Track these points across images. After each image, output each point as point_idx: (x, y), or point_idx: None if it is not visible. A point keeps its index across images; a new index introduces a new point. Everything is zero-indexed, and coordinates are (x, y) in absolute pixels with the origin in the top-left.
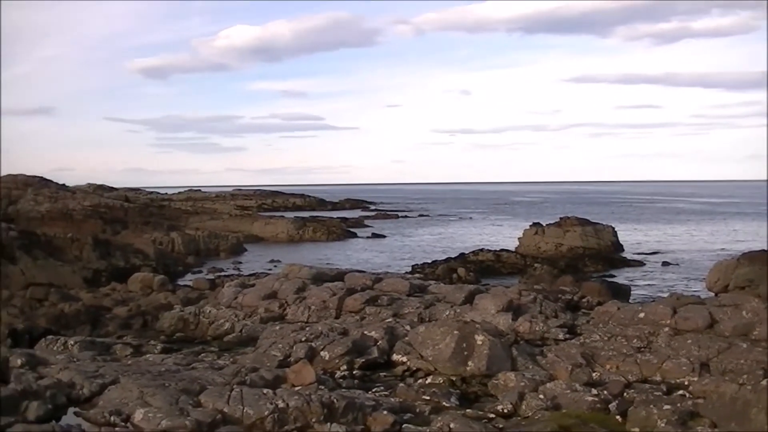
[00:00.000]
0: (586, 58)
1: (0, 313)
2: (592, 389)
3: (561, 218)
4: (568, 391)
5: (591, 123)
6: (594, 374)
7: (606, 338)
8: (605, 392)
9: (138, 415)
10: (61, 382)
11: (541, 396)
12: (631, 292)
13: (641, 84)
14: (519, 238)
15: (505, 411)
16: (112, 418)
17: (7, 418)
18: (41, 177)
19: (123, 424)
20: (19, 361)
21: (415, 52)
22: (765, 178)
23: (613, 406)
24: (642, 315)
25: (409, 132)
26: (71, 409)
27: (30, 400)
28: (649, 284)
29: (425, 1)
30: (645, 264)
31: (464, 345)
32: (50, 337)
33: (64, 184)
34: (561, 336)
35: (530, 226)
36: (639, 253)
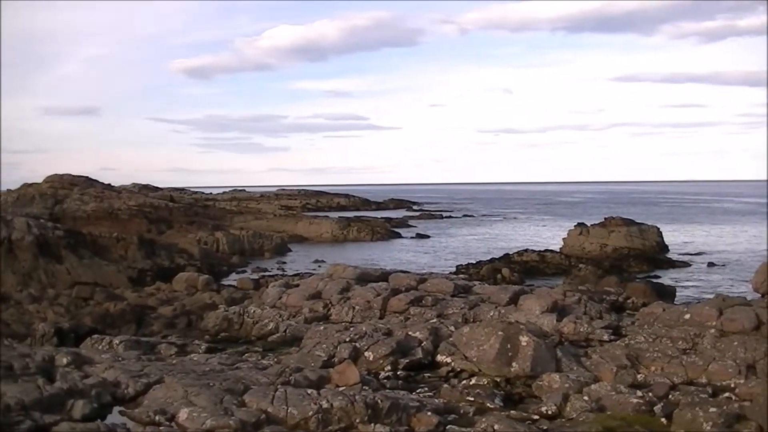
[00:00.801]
0: (630, 56)
1: (46, 312)
2: (637, 391)
3: (605, 218)
4: (613, 393)
5: (634, 122)
6: (639, 376)
7: (651, 340)
8: (650, 394)
9: (182, 415)
10: (106, 381)
11: (586, 398)
12: (677, 293)
13: (686, 83)
14: (563, 239)
15: (550, 412)
16: (156, 418)
17: (53, 416)
18: (87, 177)
19: (167, 423)
20: (65, 360)
21: (458, 51)
22: None
23: (658, 408)
24: (687, 316)
25: (452, 131)
26: (116, 408)
27: (76, 398)
28: (694, 285)
29: (469, 0)
30: (690, 265)
31: (508, 346)
32: (95, 336)
33: (109, 184)
34: (606, 337)
35: (575, 226)
36: (684, 254)
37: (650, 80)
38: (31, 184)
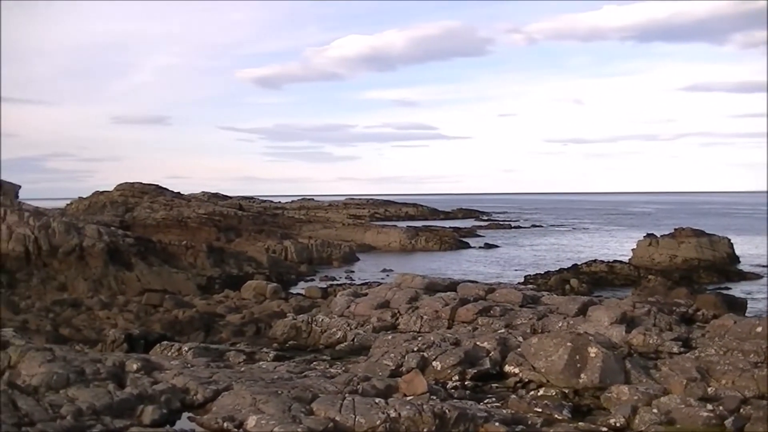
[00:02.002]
0: (701, 66)
1: (117, 318)
2: (708, 404)
3: (675, 229)
4: (683, 406)
5: (705, 132)
6: (709, 389)
7: (722, 352)
8: (721, 408)
9: (251, 422)
10: (175, 387)
11: (655, 410)
12: (748, 306)
13: (757, 92)
14: (632, 249)
15: (618, 425)
16: (225, 424)
17: (123, 421)
18: (157, 185)
19: (236, 430)
20: (135, 366)
21: (528, 61)
22: None
23: (729, 422)
24: (759, 329)
25: (521, 141)
26: (185, 414)
27: (145, 404)
28: (766, 298)
29: (538, 10)
30: (762, 277)
31: (577, 357)
32: (165, 342)
33: (179, 192)
34: (675, 349)
35: (644, 237)
36: (756, 266)
37: (721, 90)
38: (102, 192)
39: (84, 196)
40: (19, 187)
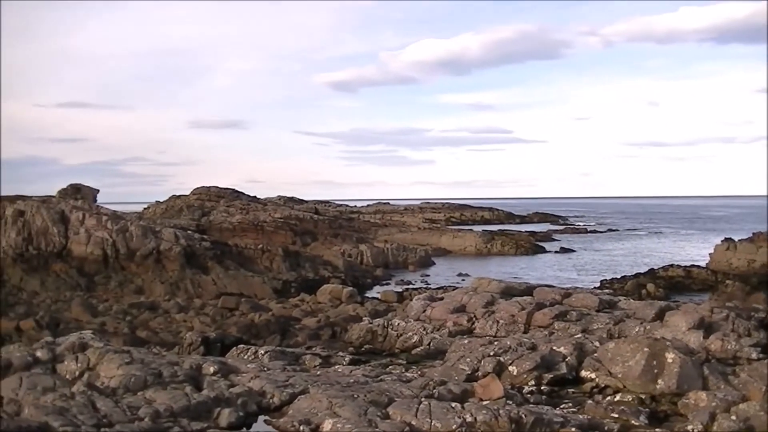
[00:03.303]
0: None
1: (193, 321)
2: None
3: (754, 233)
4: (762, 413)
5: None
6: None
7: None
8: None
9: (327, 425)
10: (252, 391)
11: (734, 417)
12: None
13: None
14: (710, 254)
15: (696, 431)
16: (301, 428)
17: (200, 424)
18: (233, 189)
19: None
20: (211, 369)
21: (604, 63)
22: None
23: None
24: None
25: (597, 145)
26: (261, 417)
27: (222, 407)
28: None
29: (614, 12)
30: None
31: (654, 362)
32: (241, 345)
33: (255, 196)
34: (754, 355)
35: (721, 241)
36: None
37: None
38: (179, 196)
39: (161, 200)
40: (98, 191)
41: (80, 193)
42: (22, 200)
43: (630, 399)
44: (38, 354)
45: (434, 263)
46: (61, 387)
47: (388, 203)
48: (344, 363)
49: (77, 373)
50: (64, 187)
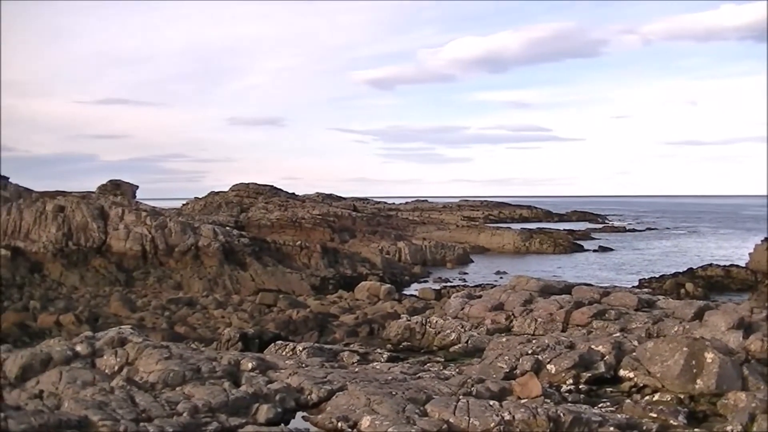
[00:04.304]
0: None
1: (231, 317)
2: None
3: None
4: None
5: None
6: None
7: None
8: None
9: (365, 422)
10: (290, 387)
11: None
12: None
13: None
14: (749, 253)
15: None
16: (339, 424)
17: (238, 419)
18: (272, 186)
19: (350, 430)
20: (249, 365)
21: (642, 62)
22: None
23: None
24: None
25: (635, 143)
26: (299, 414)
27: (260, 402)
28: None
29: (653, 10)
30: None
31: (693, 362)
32: (279, 342)
33: (293, 193)
34: None
35: (762, 241)
36: None
37: None
38: (218, 193)
39: (200, 197)
40: (137, 187)
41: (120, 189)
42: (62, 196)
43: (669, 399)
44: (78, 348)
45: (472, 261)
46: (100, 381)
47: (427, 201)
48: (382, 360)
49: (116, 367)
50: (104, 183)
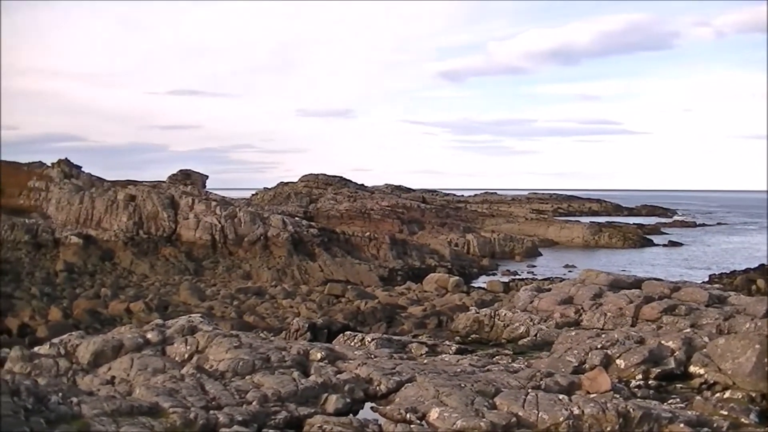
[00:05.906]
0: None
1: (299, 307)
2: None
3: None
4: None
5: None
6: None
7: None
8: None
9: (433, 414)
10: (359, 378)
11: None
12: None
13: None
14: None
15: None
16: (408, 416)
17: (307, 409)
18: (341, 177)
19: (418, 421)
20: (318, 355)
21: (714, 54)
22: None
23: None
24: None
25: (706, 137)
26: (368, 404)
27: (329, 393)
28: None
29: (727, 2)
30: None
31: (766, 360)
32: (348, 332)
33: (362, 184)
34: None
35: None
36: None
37: None
38: (287, 183)
39: (269, 187)
40: (207, 177)
41: (190, 179)
42: (133, 185)
43: (740, 396)
44: (149, 336)
45: (541, 254)
46: (170, 369)
47: (495, 193)
48: (451, 352)
49: (186, 355)
50: (174, 173)
